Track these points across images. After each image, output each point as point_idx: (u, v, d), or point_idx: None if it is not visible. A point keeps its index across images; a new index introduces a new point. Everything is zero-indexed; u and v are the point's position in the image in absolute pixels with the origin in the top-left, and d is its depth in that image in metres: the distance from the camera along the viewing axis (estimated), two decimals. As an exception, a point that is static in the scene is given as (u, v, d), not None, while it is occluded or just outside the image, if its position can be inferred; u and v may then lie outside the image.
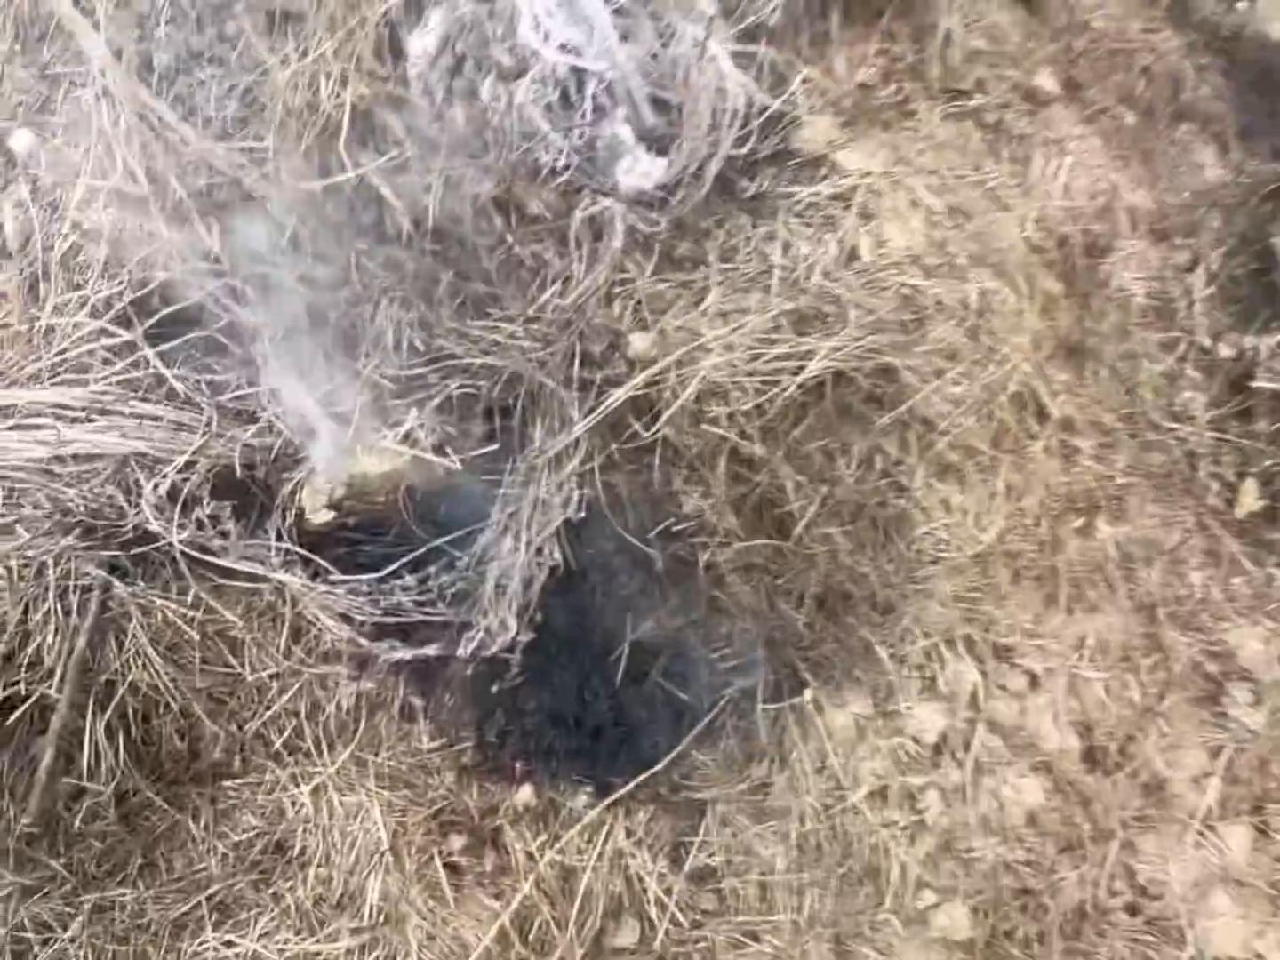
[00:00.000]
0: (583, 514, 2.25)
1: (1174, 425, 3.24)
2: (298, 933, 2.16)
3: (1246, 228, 3.72)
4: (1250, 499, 3.20)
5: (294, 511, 2.10)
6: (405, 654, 2.13)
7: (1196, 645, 2.85)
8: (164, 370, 2.13)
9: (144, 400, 2.13)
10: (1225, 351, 3.43)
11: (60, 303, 2.18)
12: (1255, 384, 3.26)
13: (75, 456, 2.07)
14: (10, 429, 2.07)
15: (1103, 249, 3.22)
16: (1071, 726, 2.61)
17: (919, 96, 2.80)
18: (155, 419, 2.12)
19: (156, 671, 1.99)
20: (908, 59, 2.83)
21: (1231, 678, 2.82)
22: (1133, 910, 2.56)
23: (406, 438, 1.99)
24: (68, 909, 2.06)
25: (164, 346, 2.16)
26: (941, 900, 2.47)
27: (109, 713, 1.95)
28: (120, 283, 2.15)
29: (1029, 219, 2.86)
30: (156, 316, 2.15)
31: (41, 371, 2.13)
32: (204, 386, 2.15)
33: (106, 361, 2.16)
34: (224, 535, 2.07)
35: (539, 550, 2.13)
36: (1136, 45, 3.75)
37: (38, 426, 2.08)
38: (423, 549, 2.05)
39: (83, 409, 2.10)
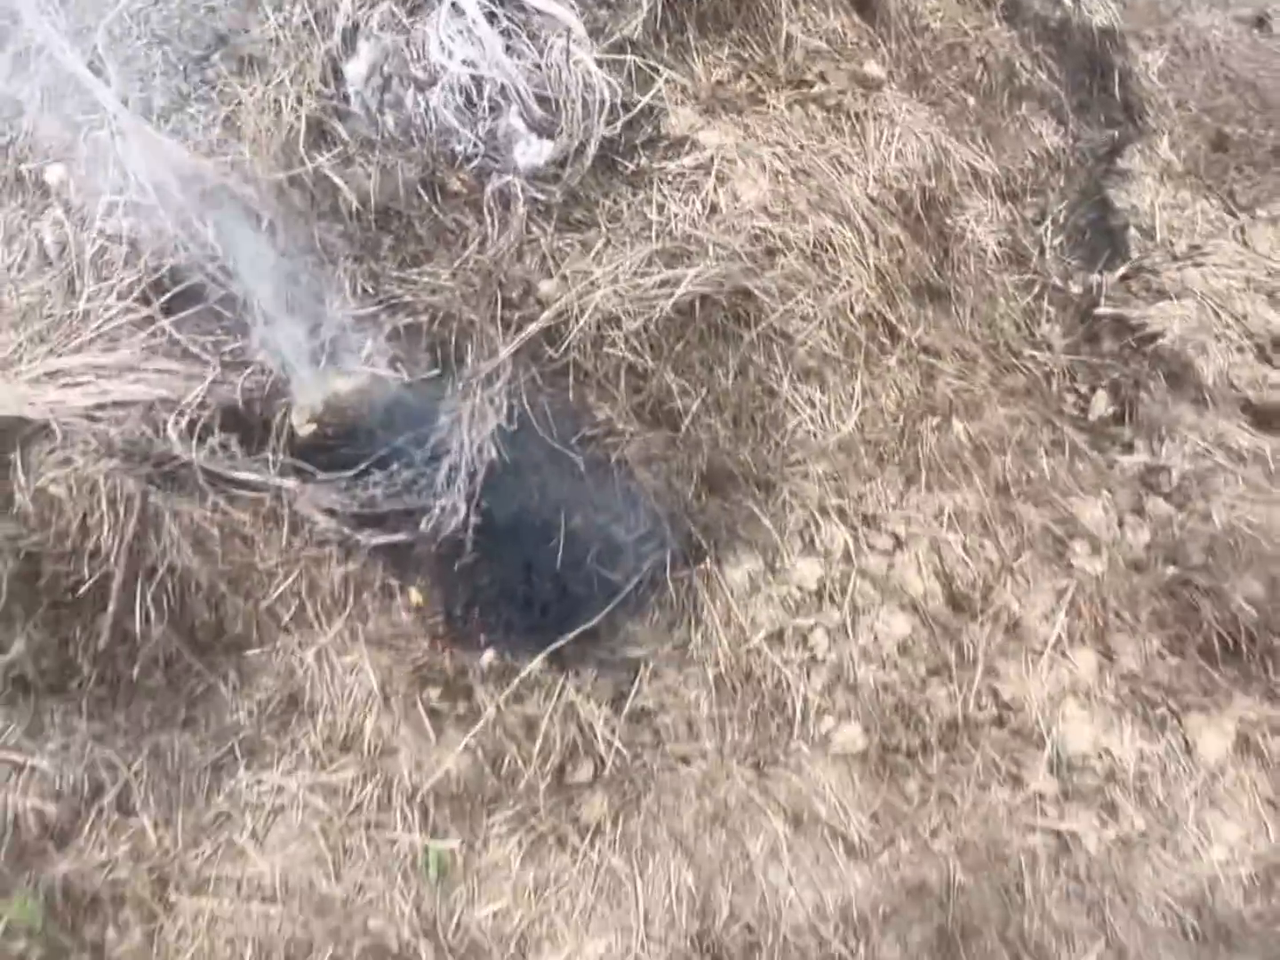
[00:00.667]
0: (515, 426, 2.85)
1: (1034, 353, 3.86)
2: (312, 768, 2.71)
3: (1085, 184, 4.41)
4: (1102, 405, 3.82)
5: (285, 432, 2.70)
6: (380, 539, 2.71)
7: (1045, 515, 3.43)
8: (176, 335, 2.75)
9: (163, 358, 2.74)
10: (1075, 289, 4.09)
11: (92, 292, 2.80)
12: (1099, 311, 3.90)
13: (113, 404, 2.67)
14: (62, 386, 2.68)
15: (943, 203, 3.87)
16: (935, 577, 3.18)
17: (769, 88, 3.46)
18: (173, 372, 2.73)
19: (189, 556, 2.58)
20: (757, 59, 3.50)
21: (1075, 537, 3.39)
22: (999, 722, 3.09)
23: (367, 360, 2.60)
24: (129, 753, 2.62)
25: (175, 317, 2.77)
26: (839, 722, 3.02)
27: (154, 587, 2.53)
28: (138, 271, 2.78)
29: (869, 177, 3.51)
30: (168, 295, 2.77)
31: (83, 344, 2.75)
32: (208, 345, 2.77)
33: (131, 333, 2.78)
34: (232, 457, 2.67)
35: (479, 449, 2.72)
36: (971, 40, 4.46)
37: (81, 384, 2.70)
38: (385, 450, 2.64)
39: (115, 368, 2.72)
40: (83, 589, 2.48)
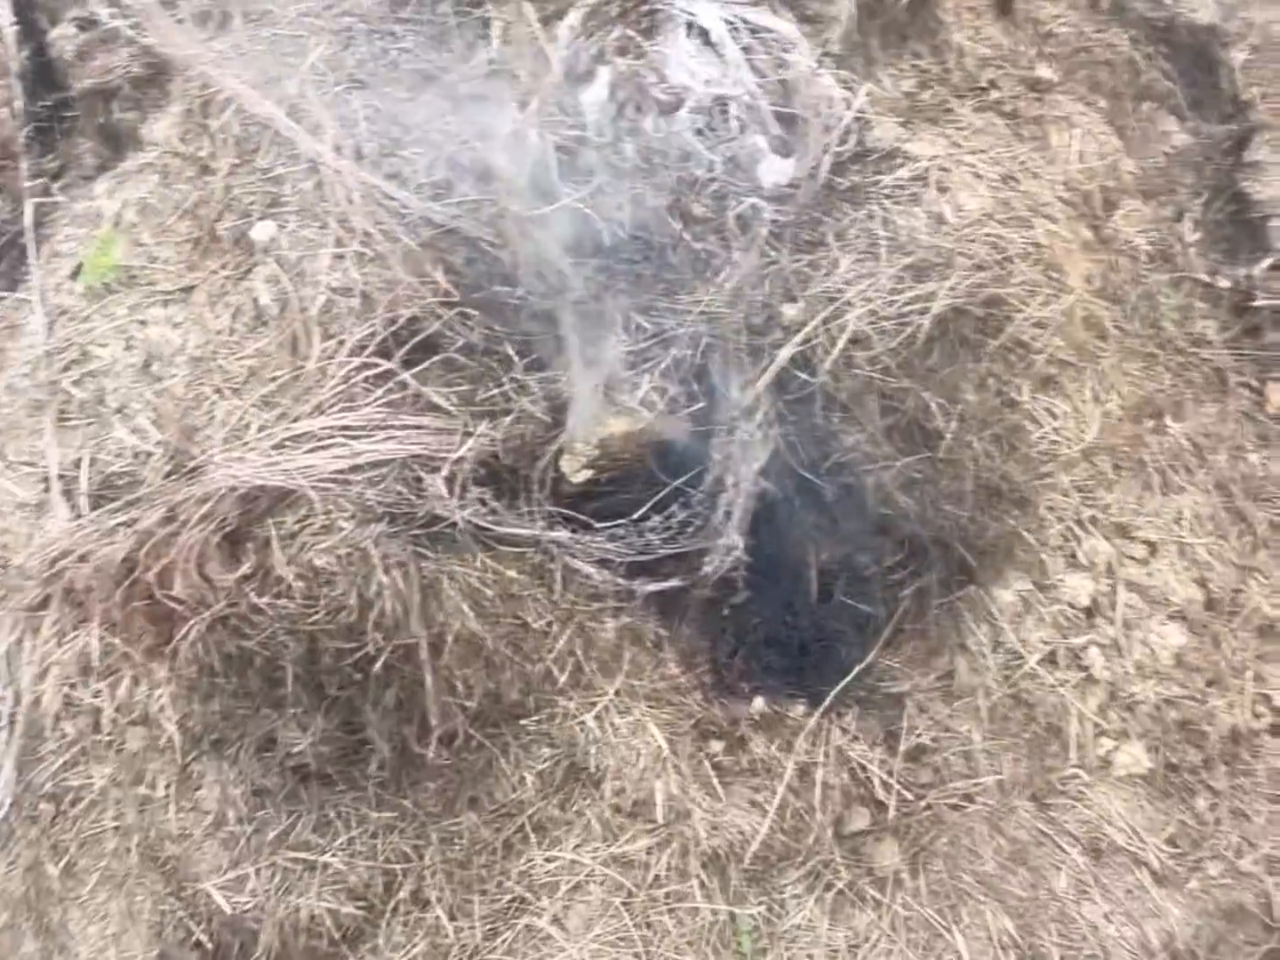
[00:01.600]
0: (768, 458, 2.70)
1: (1196, 349, 3.78)
2: (604, 840, 2.52)
3: (1217, 179, 4.35)
4: (1277, 398, 3.74)
5: (549, 480, 2.53)
6: (656, 586, 2.55)
7: (1269, 511, 3.34)
8: (420, 388, 2.59)
9: (409, 414, 2.57)
10: (1223, 283, 4.01)
11: (322, 349, 2.64)
12: (1257, 304, 3.83)
13: (367, 465, 2.50)
14: (310, 450, 2.51)
15: (1114, 203, 3.80)
16: (1192, 581, 3.06)
17: (951, 97, 3.39)
18: (421, 427, 2.56)
19: (473, 622, 2.40)
20: (934, 70, 3.42)
21: (1305, 532, 3.29)
22: (1275, 730, 2.97)
23: (643, 399, 2.45)
24: (419, 841, 2.41)
25: (415, 369, 2.61)
26: (1119, 743, 2.87)
27: (445, 657, 2.34)
28: (371, 325, 2.62)
29: (1057, 181, 3.43)
30: (406, 346, 2.60)
31: (322, 404, 2.58)
32: (452, 397, 2.60)
33: (369, 389, 2.61)
34: (494, 511, 2.50)
35: (750, 485, 2.57)
36: (1093, 43, 4.42)
37: (331, 446, 2.52)
38: (665, 491, 2.48)
39: (362, 427, 2.54)
40: (374, 667, 2.29)
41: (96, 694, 2.45)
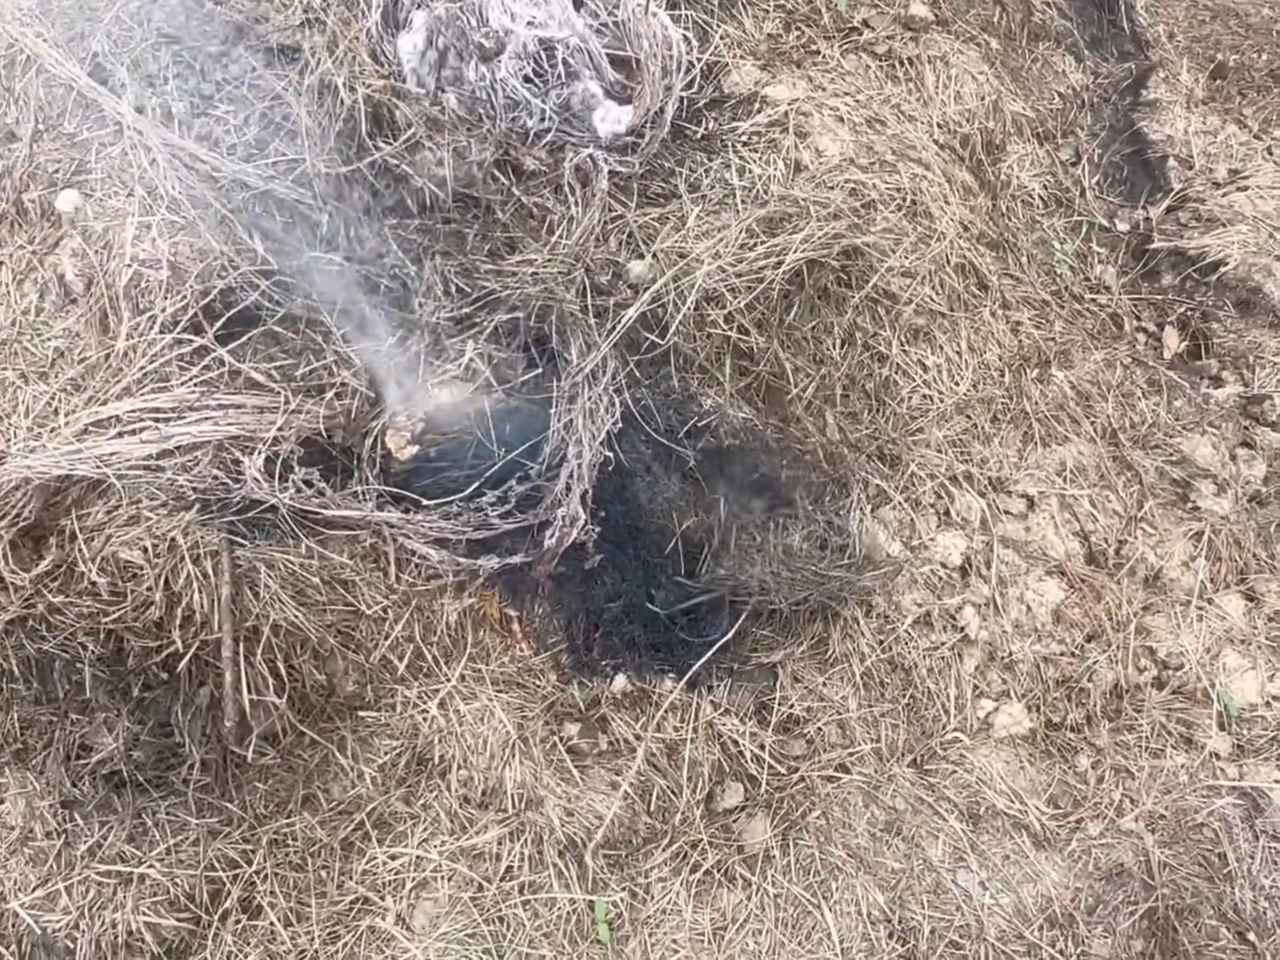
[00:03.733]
0: (619, 424, 2.56)
1: (1093, 296, 3.67)
2: (452, 833, 2.40)
3: (1114, 119, 4.24)
4: (1174, 342, 3.65)
5: (379, 458, 2.38)
6: (496, 563, 2.41)
7: (1158, 458, 3.25)
8: (237, 364, 2.42)
9: (226, 393, 2.40)
10: (1122, 226, 3.91)
11: (132, 327, 2.46)
12: (1154, 246, 3.73)
13: (178, 449, 2.33)
14: (116, 436, 2.33)
15: (999, 146, 3.67)
16: (1072, 535, 2.97)
17: (819, 38, 3.22)
18: (239, 406, 2.39)
19: (292, 612, 2.25)
20: (801, 10, 3.26)
21: (1195, 478, 3.21)
22: (1160, 683, 2.90)
23: (468, 367, 2.30)
24: (247, 845, 2.27)
25: (232, 345, 2.44)
26: (999, 704, 2.79)
27: (260, 651, 2.19)
28: (183, 298, 2.44)
29: (933, 123, 3.29)
30: (221, 320, 2.43)
31: (131, 386, 2.40)
32: (274, 372, 2.44)
33: (183, 367, 2.43)
34: (320, 493, 2.34)
35: (594, 454, 2.43)
36: (986, -20, 4.26)
37: (139, 430, 2.35)
38: (499, 464, 2.34)
39: (173, 409, 2.37)
40: (180, 664, 2.13)
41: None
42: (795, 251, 2.58)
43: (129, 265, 2.48)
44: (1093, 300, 3.68)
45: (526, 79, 2.44)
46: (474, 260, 2.32)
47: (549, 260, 2.41)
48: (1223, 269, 3.66)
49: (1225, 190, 3.94)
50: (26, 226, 2.64)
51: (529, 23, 2.39)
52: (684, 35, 2.58)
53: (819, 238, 2.59)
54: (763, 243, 2.60)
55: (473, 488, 2.34)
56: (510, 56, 2.37)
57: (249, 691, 2.14)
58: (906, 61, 3.37)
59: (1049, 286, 3.61)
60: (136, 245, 2.48)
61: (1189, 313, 3.69)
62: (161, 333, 2.44)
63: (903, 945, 2.48)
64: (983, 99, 3.48)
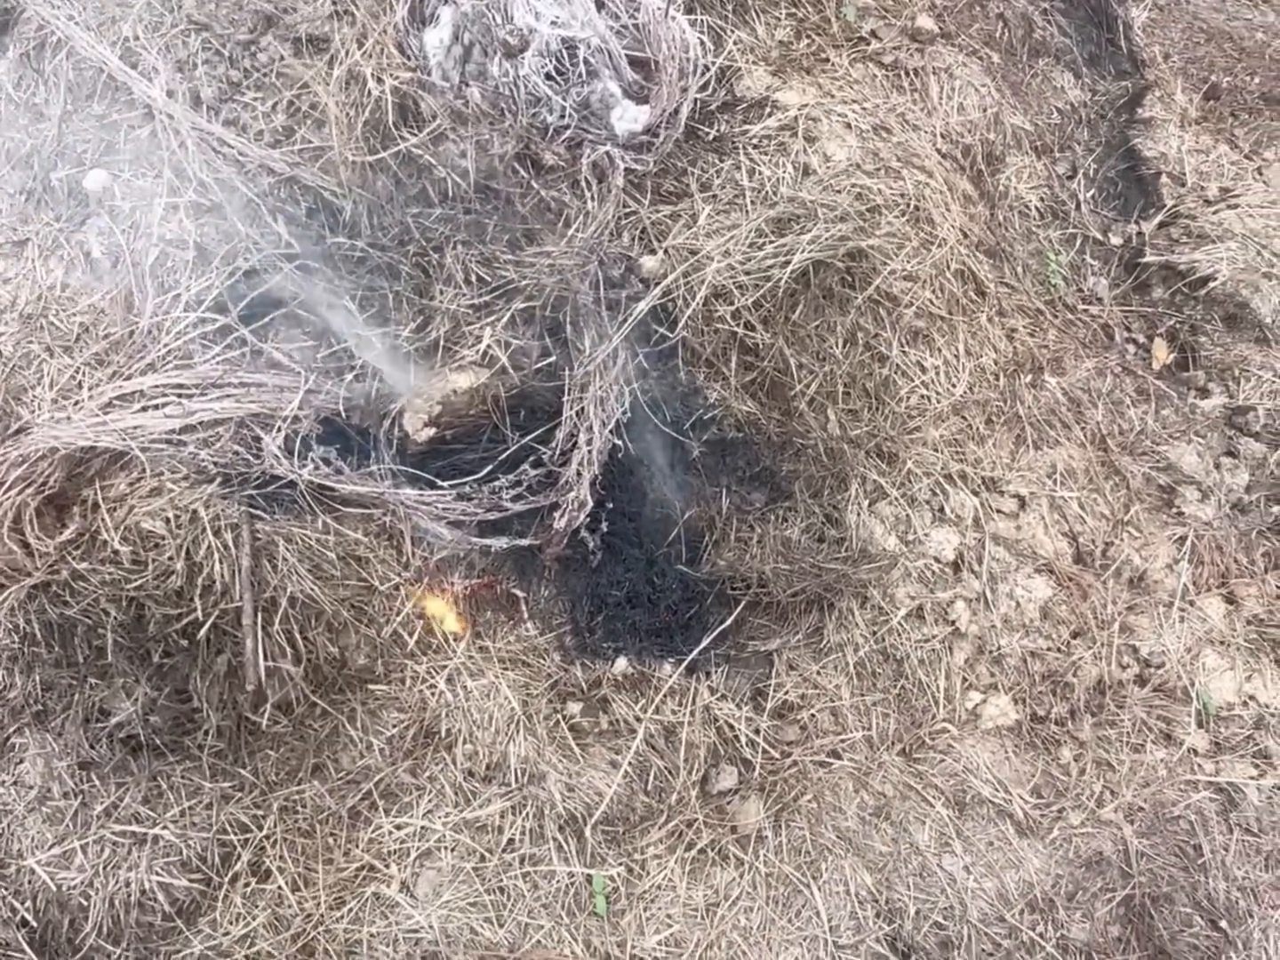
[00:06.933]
0: (627, 414, 2.65)
1: (1086, 306, 3.77)
2: (455, 805, 2.47)
3: (1110, 136, 4.35)
4: (1162, 354, 3.75)
5: (396, 439, 2.45)
6: (506, 544, 2.48)
7: (1145, 464, 3.35)
8: (259, 344, 2.48)
9: (247, 371, 2.47)
10: (1115, 240, 4.02)
11: (157, 304, 2.52)
12: (1146, 260, 3.84)
13: (201, 424, 2.40)
14: (140, 410, 2.40)
15: (998, 157, 3.77)
16: (1061, 535, 3.07)
17: (828, 47, 3.32)
18: (260, 384, 2.46)
19: (309, 585, 2.32)
20: (811, 18, 3.35)
21: (1180, 484, 3.31)
22: (1141, 681, 2.99)
23: (485, 353, 2.37)
24: (259, 811, 2.34)
25: (255, 325, 2.50)
26: (986, 696, 2.88)
27: (277, 621, 2.26)
28: (208, 278, 2.51)
29: (936, 133, 3.38)
30: (245, 300, 2.50)
31: (155, 362, 2.47)
32: (294, 353, 2.51)
33: (205, 345, 2.50)
34: (337, 471, 2.41)
35: (603, 440, 2.51)
36: (987, -3, 4.37)
37: (163, 405, 2.41)
38: (512, 448, 2.41)
39: (196, 385, 2.44)
40: (200, 632, 2.20)
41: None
42: (803, 252, 2.67)
43: (156, 245, 2.55)
44: (1084, 310, 3.79)
45: (548, 76, 2.52)
46: (494, 250, 2.39)
47: (565, 253, 2.49)
48: (1212, 284, 3.76)
49: (1216, 208, 4.05)
50: (53, 204, 2.70)
51: (553, 22, 2.47)
52: (702, 39, 2.66)
53: (826, 239, 2.68)
54: (771, 242, 2.68)
55: (486, 470, 2.41)
56: (534, 54, 2.44)
57: (266, 659, 2.20)
58: (912, 72, 3.46)
59: (1043, 296, 3.71)
60: (164, 225, 2.55)
61: (1178, 325, 3.79)
62: (186, 311, 2.51)
63: (889, 924, 2.56)
64: (984, 111, 3.58)
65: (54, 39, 2.79)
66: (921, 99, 3.44)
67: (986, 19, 4.38)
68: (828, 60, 3.27)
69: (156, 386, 2.42)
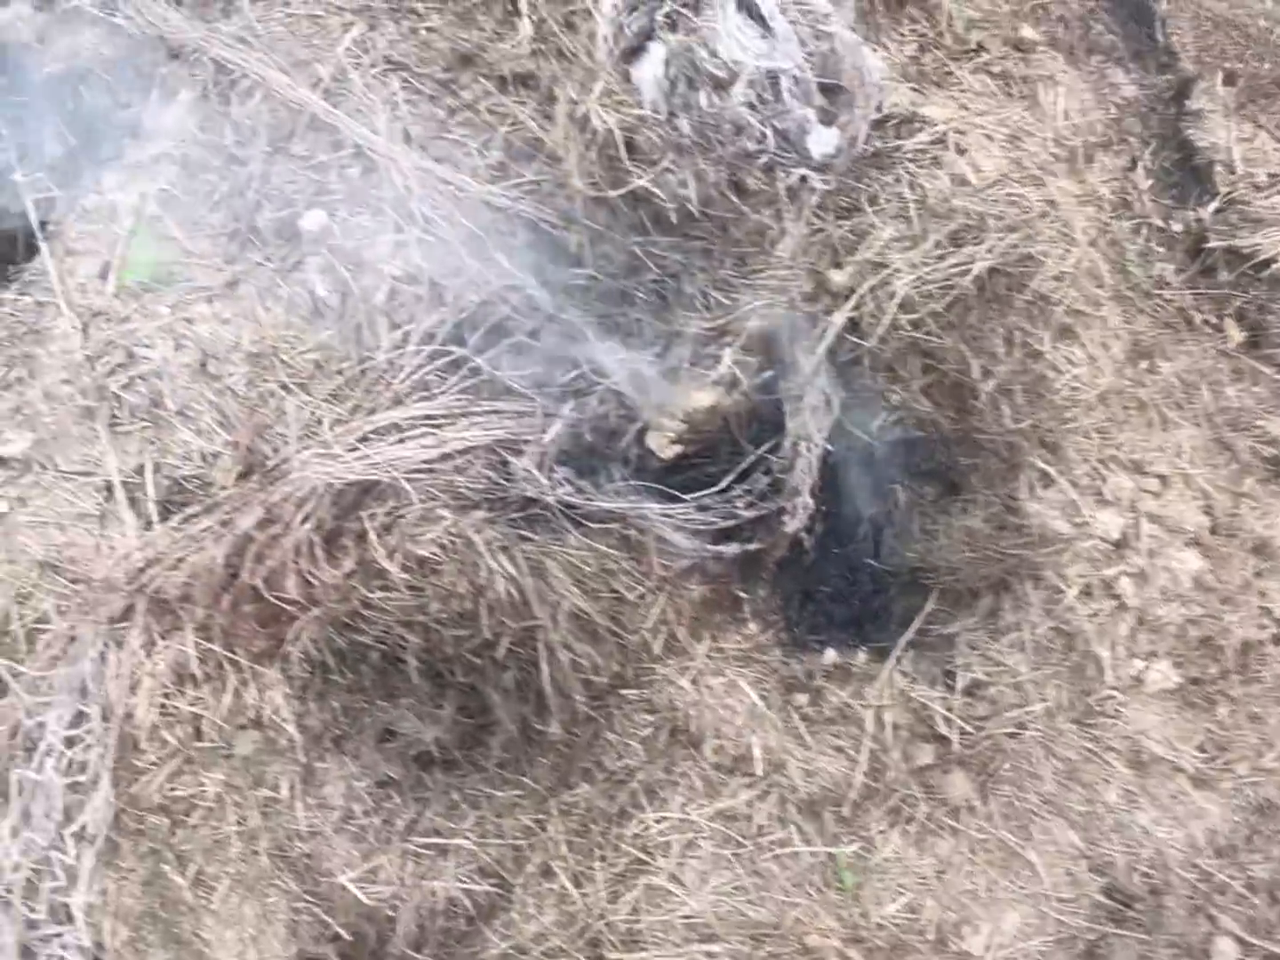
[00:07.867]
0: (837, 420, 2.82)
1: (1159, 291, 4.02)
2: (708, 797, 2.63)
3: (1162, 128, 4.60)
4: (1235, 333, 4.01)
5: (634, 456, 2.59)
6: (738, 550, 2.65)
7: (1249, 439, 3.61)
8: (495, 374, 2.60)
9: (486, 399, 2.59)
10: (1176, 227, 4.26)
11: (391, 340, 2.62)
12: (1210, 245, 4.09)
13: (454, 453, 2.51)
14: (398, 442, 2.50)
15: (1091, 157, 4.00)
16: (1199, 510, 3.32)
17: (948, 60, 3.51)
18: (500, 412, 2.58)
19: (578, 600, 2.45)
20: (930, 34, 3.53)
21: (1285, 455, 3.58)
22: (1276, 640, 3.26)
23: (724, 372, 2.52)
24: (541, 815, 2.48)
25: (487, 355, 2.62)
26: (1149, 663, 3.12)
27: (559, 635, 2.40)
28: (442, 312, 2.61)
29: (1049, 139, 3.60)
30: (479, 332, 2.61)
31: (399, 394, 2.57)
32: (523, 380, 2.63)
33: (440, 377, 2.61)
34: (580, 490, 2.55)
35: (819, 447, 2.68)
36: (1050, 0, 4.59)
37: (417, 436, 2.52)
38: (749, 460, 2.57)
39: (445, 415, 2.55)
40: (498, 651, 2.33)
41: (195, 701, 2.42)
42: (980, 260, 2.86)
43: (385, 281, 2.64)
44: (1159, 295, 4.03)
45: (749, 105, 2.66)
46: (724, 274, 2.54)
47: (773, 274, 2.64)
48: (1274, 265, 4.01)
49: (1267, 193, 4.31)
50: (261, 244, 2.78)
51: (758, 55, 2.61)
52: (880, 64, 2.83)
53: (1001, 247, 2.87)
54: (951, 253, 2.87)
55: (726, 481, 2.56)
56: (743, 85, 2.59)
57: (558, 673, 2.34)
58: (1021, 80, 3.66)
59: (1125, 284, 3.94)
60: (391, 262, 2.65)
61: (1245, 306, 4.03)
62: (421, 345, 2.61)
63: (1102, 877, 2.79)
64: (1084, 113, 3.80)
65: (243, 82, 2.85)
66: (1032, 106, 3.65)
67: (1050, 21, 4.59)
68: (951, 74, 3.46)
69: (408, 419, 2.53)
